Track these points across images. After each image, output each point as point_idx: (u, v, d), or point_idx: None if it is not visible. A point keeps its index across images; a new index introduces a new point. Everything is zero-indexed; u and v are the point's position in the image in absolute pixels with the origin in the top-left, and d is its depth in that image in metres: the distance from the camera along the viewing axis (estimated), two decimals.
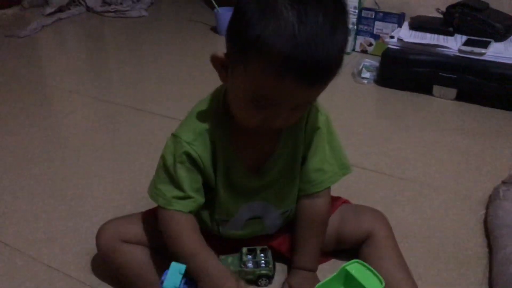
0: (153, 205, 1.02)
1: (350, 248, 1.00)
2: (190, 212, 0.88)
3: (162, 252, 0.96)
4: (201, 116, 0.87)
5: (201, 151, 0.86)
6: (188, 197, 0.87)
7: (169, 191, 0.87)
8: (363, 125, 1.67)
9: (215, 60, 0.78)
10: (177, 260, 0.84)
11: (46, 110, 1.79)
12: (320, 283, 0.86)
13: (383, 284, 0.84)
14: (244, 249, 0.97)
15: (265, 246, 0.99)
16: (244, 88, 0.75)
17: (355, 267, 0.88)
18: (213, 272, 0.83)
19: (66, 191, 1.30)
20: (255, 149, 0.89)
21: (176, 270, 0.81)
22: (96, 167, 1.41)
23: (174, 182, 0.86)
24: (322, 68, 0.69)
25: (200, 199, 0.89)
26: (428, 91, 1.85)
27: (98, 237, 0.95)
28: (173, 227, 0.87)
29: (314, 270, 0.97)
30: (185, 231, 0.87)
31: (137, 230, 0.95)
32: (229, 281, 0.83)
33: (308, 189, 0.95)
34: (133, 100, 1.84)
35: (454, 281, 0.99)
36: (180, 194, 0.87)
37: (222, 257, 0.97)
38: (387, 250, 0.94)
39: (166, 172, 0.87)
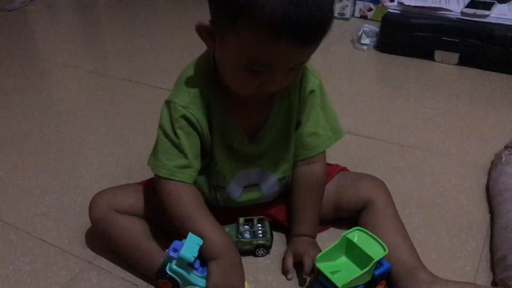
0: (147, 176, 1.01)
1: (349, 217, 0.99)
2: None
3: (156, 223, 0.95)
4: (193, 80, 0.85)
5: (198, 113, 0.84)
6: (190, 166, 0.86)
7: (171, 160, 0.85)
8: (363, 92, 1.63)
9: (200, 28, 0.75)
10: (178, 233, 0.83)
11: (39, 84, 1.76)
12: (321, 253, 0.84)
13: (387, 250, 0.82)
14: (241, 220, 0.96)
15: (262, 216, 0.97)
16: (236, 56, 0.72)
17: (357, 235, 0.86)
18: (217, 238, 0.82)
19: (60, 165, 1.28)
20: (250, 115, 0.88)
21: (193, 241, 0.78)
22: (91, 141, 1.39)
23: (176, 149, 0.85)
24: (317, 25, 0.67)
25: (198, 165, 0.88)
26: (430, 56, 1.80)
27: (91, 207, 0.94)
28: (177, 198, 0.85)
29: (313, 236, 0.96)
30: (190, 200, 0.86)
31: (131, 201, 0.94)
32: (232, 251, 0.82)
33: (303, 154, 0.93)
34: (128, 72, 1.81)
35: (454, 248, 0.97)
36: (183, 162, 0.85)
37: None
38: (386, 218, 0.92)
39: (167, 141, 0.85)
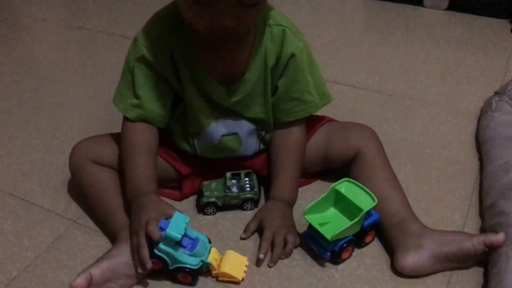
0: None
1: (338, 168, 0.97)
2: (151, 123, 0.88)
3: None
4: (162, 19, 0.84)
5: (161, 56, 0.84)
6: (141, 107, 0.86)
7: (129, 97, 0.87)
8: (350, 40, 1.59)
9: None
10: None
11: (16, 40, 1.69)
12: (309, 205, 0.83)
13: (376, 201, 0.81)
14: (228, 174, 0.94)
15: (249, 170, 0.95)
16: None
17: (345, 186, 0.85)
18: (132, 181, 0.84)
19: (40, 123, 1.24)
20: (224, 64, 0.85)
21: (180, 219, 0.77)
22: (71, 97, 1.35)
23: (132, 86, 0.86)
24: None
25: (158, 110, 0.87)
26: (419, 1, 1.75)
27: (70, 157, 0.94)
28: (125, 135, 0.87)
29: (290, 200, 0.92)
30: (135, 138, 0.87)
31: (109, 151, 0.92)
32: (142, 195, 0.81)
33: (283, 117, 0.92)
34: (108, 25, 1.74)
35: (444, 196, 0.97)
36: (135, 102, 0.86)
37: (206, 182, 0.94)
38: (377, 168, 0.90)
39: (127, 76, 0.87)
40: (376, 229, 0.86)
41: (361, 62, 1.45)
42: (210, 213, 0.93)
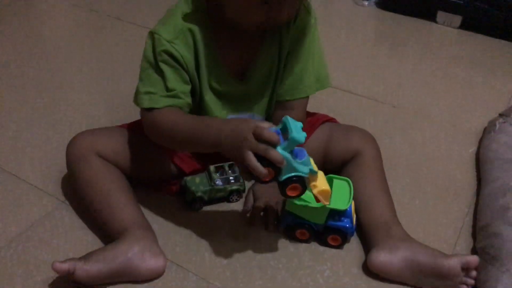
0: (129, 120, 0.96)
1: (336, 169, 0.95)
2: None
3: (137, 173, 0.91)
4: (182, 14, 0.82)
5: (183, 50, 0.81)
6: (177, 96, 0.81)
7: (157, 91, 0.81)
8: (360, 49, 1.58)
9: None
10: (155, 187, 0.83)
11: (25, 16, 1.68)
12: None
13: (344, 208, 0.82)
14: (211, 167, 0.93)
15: (232, 162, 0.94)
16: None
17: (340, 182, 0.87)
18: (218, 121, 0.78)
19: (39, 100, 1.23)
20: (239, 53, 0.85)
21: (295, 122, 0.70)
22: (73, 78, 1.34)
23: (160, 81, 0.80)
24: None
25: (189, 100, 0.83)
26: (432, 17, 1.74)
27: (71, 145, 0.89)
28: (165, 121, 0.80)
29: None
30: (179, 114, 0.80)
31: (115, 145, 0.89)
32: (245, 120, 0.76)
33: (282, 95, 0.91)
34: (119, 10, 1.73)
35: (438, 212, 0.96)
36: (168, 94, 0.81)
37: (189, 178, 0.92)
38: (371, 171, 0.91)
39: (152, 72, 0.81)
40: (344, 239, 0.85)
41: (368, 71, 1.44)
42: (197, 208, 0.92)
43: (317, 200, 0.80)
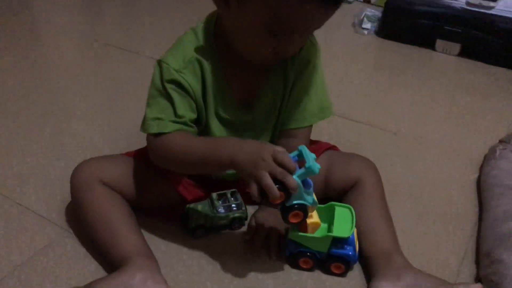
0: (133, 149, 0.97)
1: (337, 197, 0.96)
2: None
3: (141, 200, 0.91)
4: (191, 45, 0.83)
5: (191, 79, 0.82)
6: (185, 123, 0.82)
7: (165, 117, 0.81)
8: (361, 76, 1.60)
9: None
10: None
11: (32, 44, 1.72)
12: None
13: (347, 236, 0.82)
14: (214, 195, 0.93)
15: (234, 189, 0.95)
16: (259, 18, 0.71)
17: (342, 209, 0.87)
18: (234, 139, 0.79)
19: (45, 128, 1.24)
20: (245, 84, 0.87)
21: (308, 152, 0.73)
22: (79, 107, 1.35)
23: (171, 107, 0.81)
24: None
25: (196, 129, 0.84)
26: (431, 45, 1.77)
27: (75, 172, 0.90)
28: (175, 144, 0.80)
29: None
30: (190, 136, 0.81)
31: (120, 172, 0.90)
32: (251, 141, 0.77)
33: (285, 124, 0.92)
34: (125, 41, 1.77)
35: (440, 239, 0.95)
36: (177, 120, 0.81)
37: (191, 205, 0.93)
38: (372, 199, 0.91)
39: (161, 99, 0.82)
40: (347, 267, 0.85)
41: (368, 99, 1.46)
42: (200, 235, 0.92)
43: (306, 230, 0.82)
